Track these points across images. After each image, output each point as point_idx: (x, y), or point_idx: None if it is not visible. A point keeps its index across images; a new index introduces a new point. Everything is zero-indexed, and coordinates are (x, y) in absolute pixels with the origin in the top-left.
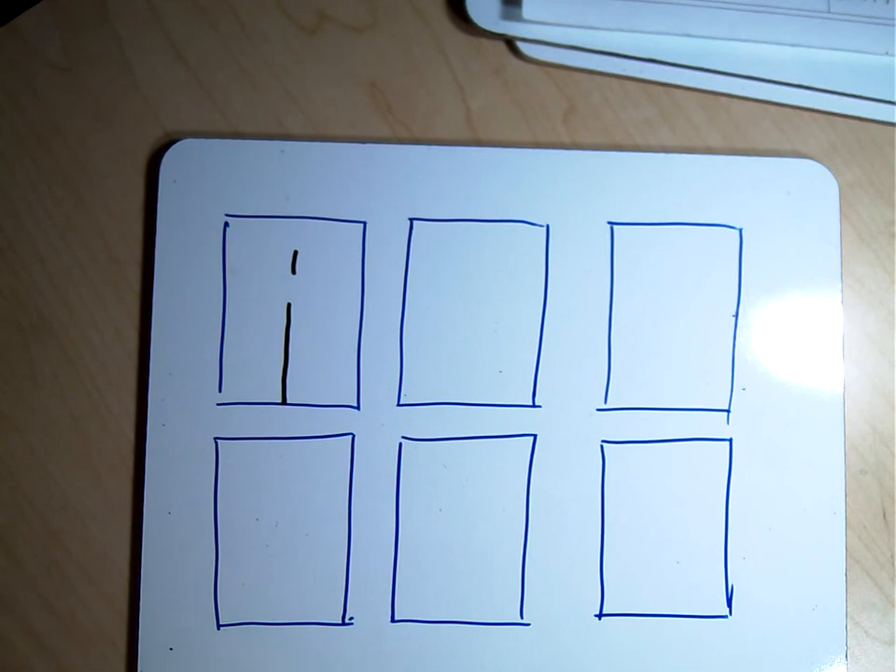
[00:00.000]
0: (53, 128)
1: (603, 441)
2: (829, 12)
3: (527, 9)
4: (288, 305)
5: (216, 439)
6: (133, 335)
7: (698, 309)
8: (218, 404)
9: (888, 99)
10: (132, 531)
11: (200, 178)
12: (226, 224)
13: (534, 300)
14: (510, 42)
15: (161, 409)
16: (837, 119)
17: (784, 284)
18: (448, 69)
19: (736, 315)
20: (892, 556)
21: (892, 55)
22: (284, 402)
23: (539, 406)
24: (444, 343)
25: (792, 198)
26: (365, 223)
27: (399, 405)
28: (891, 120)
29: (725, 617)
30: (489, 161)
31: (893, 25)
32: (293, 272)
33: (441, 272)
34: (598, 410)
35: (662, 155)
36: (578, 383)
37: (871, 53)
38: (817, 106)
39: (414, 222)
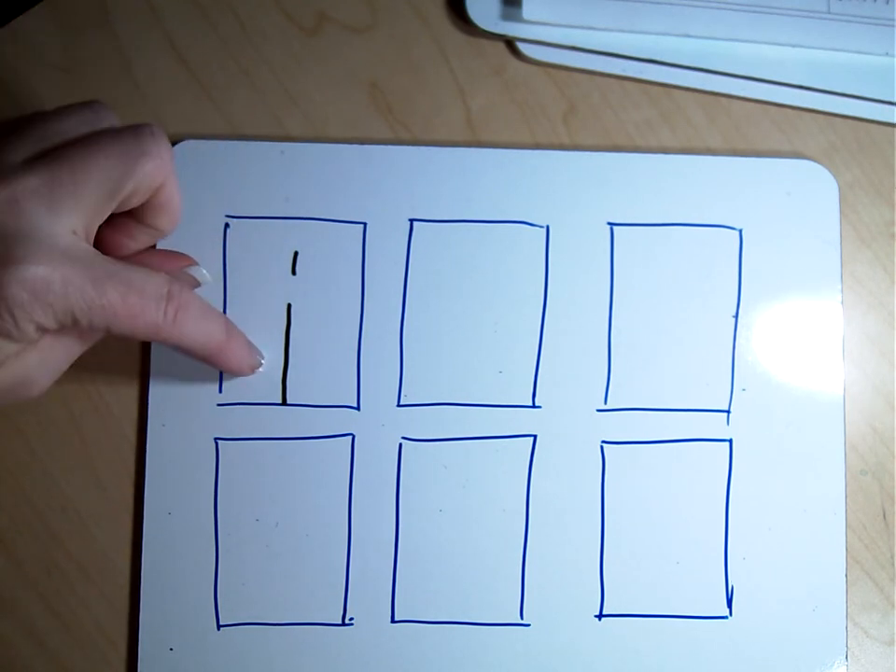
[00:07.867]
0: None
1: (603, 442)
2: (829, 13)
3: (527, 10)
4: (288, 306)
5: (216, 439)
6: None
7: (698, 310)
8: (218, 404)
9: (888, 99)
10: (132, 531)
11: (200, 179)
12: (226, 225)
13: (534, 300)
14: (510, 43)
15: (161, 409)
16: (837, 119)
17: (784, 285)
18: (448, 69)
19: (736, 316)
20: (892, 557)
21: (892, 55)
22: (284, 403)
23: (539, 407)
24: (444, 343)
25: (792, 199)
26: (365, 224)
27: (399, 405)
28: (891, 121)
29: (725, 617)
30: (489, 162)
31: (893, 26)
32: (293, 272)
33: (441, 272)
34: (598, 410)
35: (662, 156)
36: (578, 383)
37: (871, 54)
38: (817, 107)
39: (414, 223)
